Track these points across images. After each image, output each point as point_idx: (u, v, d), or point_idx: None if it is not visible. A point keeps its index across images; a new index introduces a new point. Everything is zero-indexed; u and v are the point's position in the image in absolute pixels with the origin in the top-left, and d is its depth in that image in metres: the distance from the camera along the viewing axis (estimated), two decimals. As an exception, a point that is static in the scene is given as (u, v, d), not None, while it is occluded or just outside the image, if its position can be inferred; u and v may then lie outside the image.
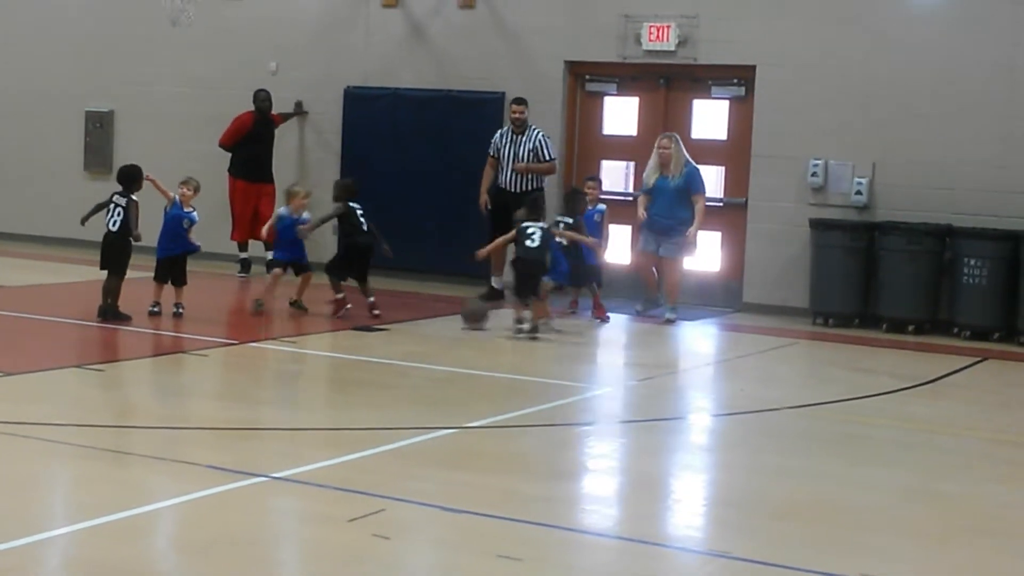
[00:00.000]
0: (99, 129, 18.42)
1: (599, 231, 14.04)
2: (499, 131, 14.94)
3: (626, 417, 9.72)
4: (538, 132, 14.77)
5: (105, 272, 12.23)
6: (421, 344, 12.09)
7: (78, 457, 7.64)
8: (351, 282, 13.15)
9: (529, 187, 14.64)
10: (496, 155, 14.84)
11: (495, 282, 14.87)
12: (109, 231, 12.23)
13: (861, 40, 14.52)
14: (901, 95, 14.37)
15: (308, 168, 17.14)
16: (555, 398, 10.00)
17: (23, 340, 11.38)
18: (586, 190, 14.20)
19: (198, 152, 16.80)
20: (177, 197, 12.59)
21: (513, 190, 14.65)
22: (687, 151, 14.31)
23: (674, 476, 8.24)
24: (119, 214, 12.16)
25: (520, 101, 14.87)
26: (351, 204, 13.21)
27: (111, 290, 12.18)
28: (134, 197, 12.26)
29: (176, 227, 12.53)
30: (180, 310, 12.46)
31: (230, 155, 16.33)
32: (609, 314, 13.90)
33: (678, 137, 14.30)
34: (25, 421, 8.33)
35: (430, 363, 11.09)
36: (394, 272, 15.38)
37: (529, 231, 12.72)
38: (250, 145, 16.26)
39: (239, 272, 16.21)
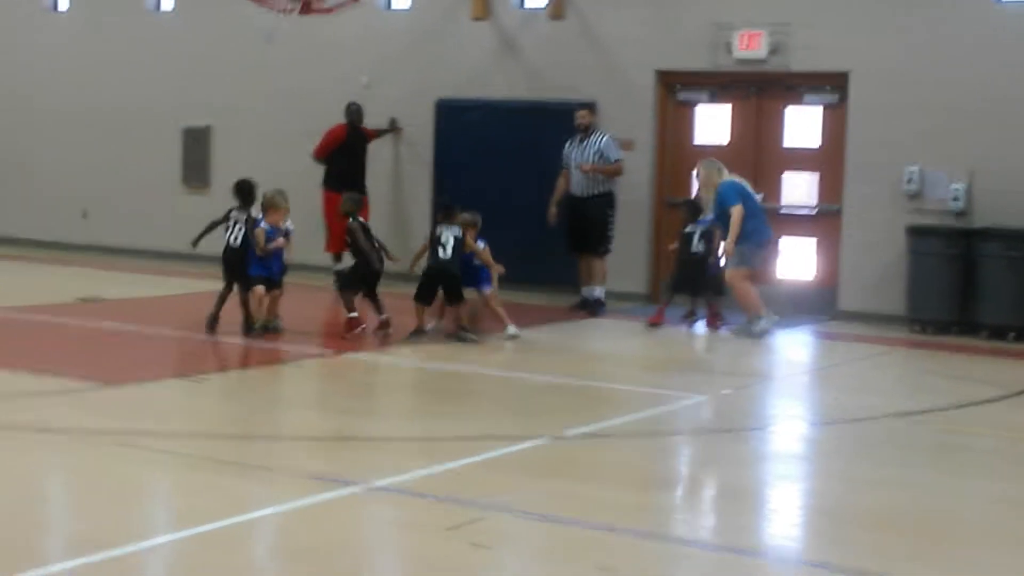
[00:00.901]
0: (196, 145, 18.73)
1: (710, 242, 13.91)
2: (568, 141, 15.02)
3: (721, 426, 9.68)
4: (603, 135, 14.85)
5: (224, 285, 12.31)
6: (515, 353, 12.14)
7: (180, 467, 7.79)
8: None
9: (598, 191, 14.69)
10: (566, 164, 14.93)
11: (586, 292, 14.89)
12: (230, 246, 12.26)
13: (956, 44, 14.34)
14: (997, 100, 14.17)
15: (401, 180, 17.29)
16: (650, 407, 9.99)
17: (126, 352, 11.59)
18: None
19: (293, 166, 17.01)
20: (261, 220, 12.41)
21: (581, 194, 14.72)
22: (780, 158, 14.20)
23: (770, 486, 8.20)
24: (240, 229, 12.20)
25: (584, 106, 15.01)
26: (360, 219, 12.81)
27: (222, 298, 12.28)
28: (252, 213, 12.32)
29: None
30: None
31: (324, 168, 16.51)
32: (724, 325, 13.80)
33: (709, 161, 13.90)
34: (129, 431, 8.50)
35: (525, 372, 11.14)
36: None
37: (442, 238, 12.57)
38: (343, 158, 16.42)
39: (335, 283, 16.36)
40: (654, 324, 13.74)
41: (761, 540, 6.96)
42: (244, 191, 12.47)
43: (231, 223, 12.32)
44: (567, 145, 15.00)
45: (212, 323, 12.24)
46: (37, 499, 7.22)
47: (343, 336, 12.25)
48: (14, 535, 6.36)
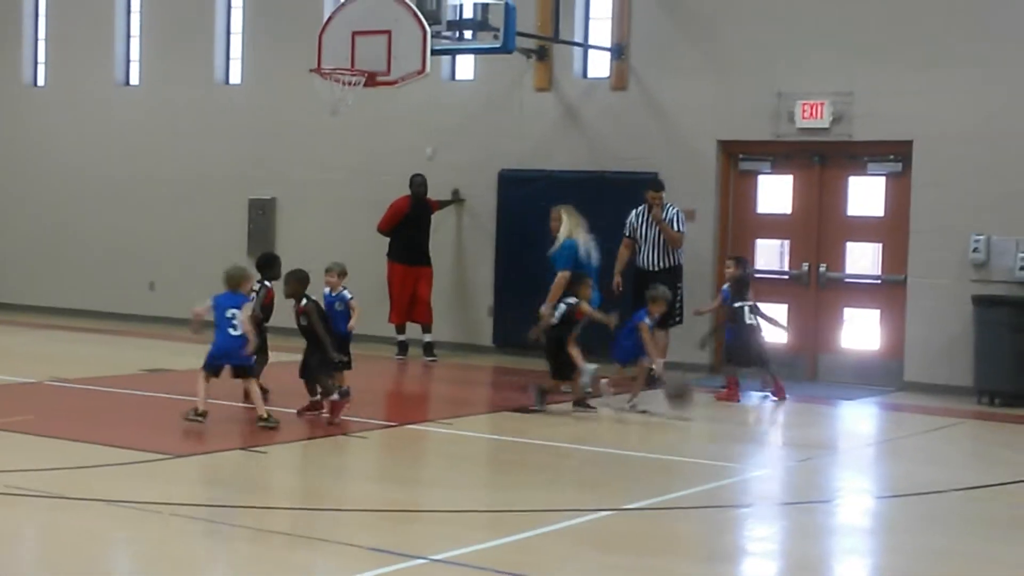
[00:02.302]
0: (262, 216, 18.95)
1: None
2: (634, 211, 14.98)
3: (786, 499, 9.58)
4: (673, 207, 14.82)
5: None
6: (576, 425, 12.10)
7: (242, 539, 7.80)
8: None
9: (669, 264, 14.67)
10: (632, 235, 14.91)
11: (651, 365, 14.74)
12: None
13: (1019, 110, 14.26)
14: (1064, 167, 14.06)
15: (464, 251, 17.38)
16: (713, 479, 9.90)
17: (191, 423, 11.67)
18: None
19: (357, 237, 17.15)
20: (327, 289, 12.35)
21: (652, 268, 14.67)
22: (844, 227, 14.11)
23: (836, 559, 8.09)
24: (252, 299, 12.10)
25: (658, 187, 14.95)
26: (313, 299, 11.77)
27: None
28: (267, 283, 12.46)
29: (331, 313, 12.53)
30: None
31: (389, 240, 16.62)
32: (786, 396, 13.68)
33: (568, 209, 14.09)
34: (192, 503, 8.54)
35: (586, 444, 11.10)
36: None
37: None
38: (407, 229, 16.54)
39: (397, 355, 16.45)
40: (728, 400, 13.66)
41: (828, 616, 6.86)
42: (264, 263, 12.73)
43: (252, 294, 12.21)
44: (633, 216, 14.97)
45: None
46: (100, 572, 7.25)
47: (329, 423, 11.49)
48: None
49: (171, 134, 19.78)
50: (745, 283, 13.92)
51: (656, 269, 14.70)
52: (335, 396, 11.50)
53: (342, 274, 12.32)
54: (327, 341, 11.48)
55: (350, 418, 11.86)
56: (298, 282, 11.65)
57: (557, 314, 12.70)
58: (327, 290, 12.32)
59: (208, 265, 19.12)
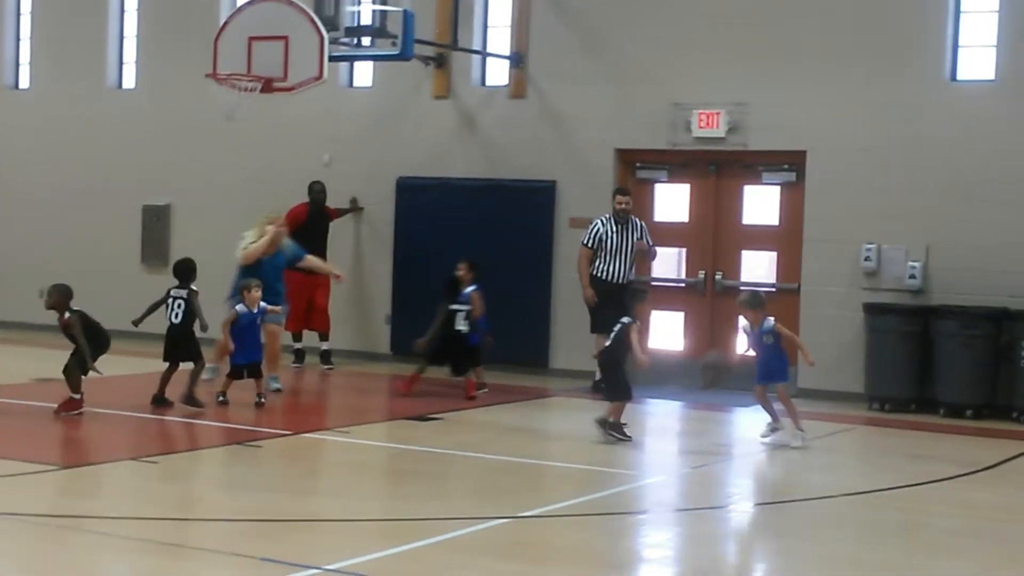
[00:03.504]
0: (156, 223, 18.68)
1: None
2: (597, 222, 14.73)
3: (680, 505, 9.64)
4: (638, 220, 14.80)
5: (167, 364, 12.58)
6: (474, 433, 12.08)
7: (133, 551, 7.66)
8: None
9: (631, 276, 14.62)
10: (594, 246, 14.65)
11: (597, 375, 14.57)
12: (173, 324, 12.55)
13: (911, 124, 14.53)
14: (952, 178, 14.34)
15: (362, 258, 17.28)
16: (608, 487, 9.94)
17: (80, 432, 11.48)
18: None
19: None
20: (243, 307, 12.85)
21: (619, 281, 14.52)
22: (739, 235, 14.27)
23: (731, 565, 8.15)
24: (179, 306, 12.51)
25: (624, 192, 14.88)
26: (78, 311, 12.06)
27: (167, 377, 12.52)
28: (194, 287, 12.57)
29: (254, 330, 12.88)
30: (262, 400, 12.83)
31: (285, 247, 16.45)
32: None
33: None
34: (81, 515, 8.38)
35: (483, 452, 11.08)
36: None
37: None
38: (305, 237, 16.33)
39: (293, 362, 16.31)
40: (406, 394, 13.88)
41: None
42: (185, 270, 12.79)
43: (170, 301, 12.60)
44: (599, 227, 14.62)
45: (159, 401, 12.48)
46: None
47: (56, 413, 11.86)
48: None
49: (63, 139, 19.44)
50: (455, 284, 14.05)
51: (624, 282, 14.45)
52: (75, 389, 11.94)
53: (259, 287, 12.87)
54: (87, 351, 11.85)
55: (243, 427, 11.74)
56: (61, 295, 12.00)
57: (611, 336, 11.87)
58: (246, 308, 12.73)
59: (101, 272, 18.88)
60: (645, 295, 12.44)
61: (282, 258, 14.03)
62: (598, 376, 14.14)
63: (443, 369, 14.13)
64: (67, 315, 11.96)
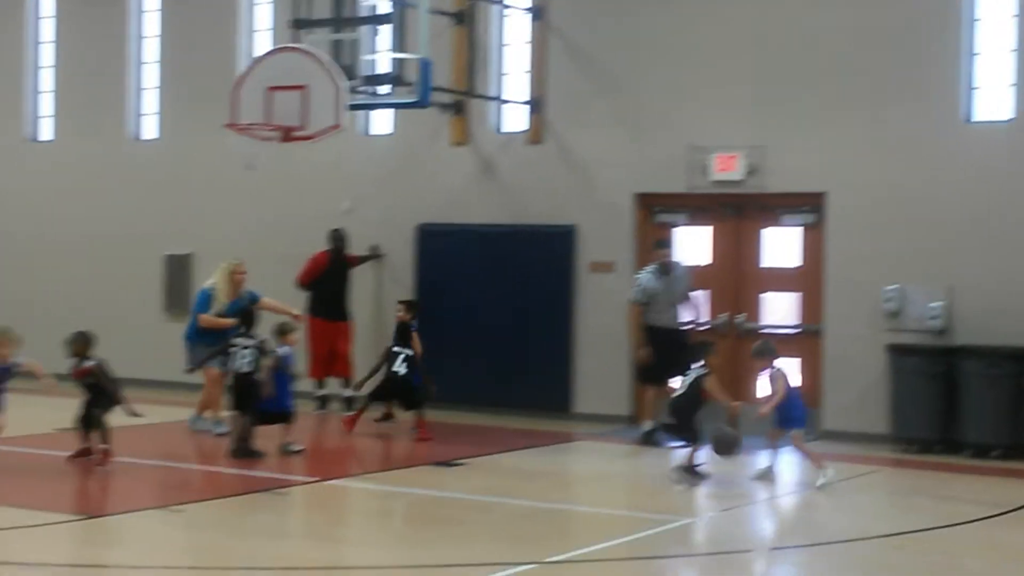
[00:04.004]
0: (178, 272, 18.75)
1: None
2: (643, 276, 14.67)
3: (709, 549, 9.60)
4: (682, 266, 14.83)
5: (236, 412, 12.73)
6: (499, 478, 12.05)
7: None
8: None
9: (679, 323, 14.62)
10: (647, 299, 14.55)
11: (646, 425, 14.45)
12: (241, 373, 12.65)
13: (931, 163, 14.52)
14: (974, 217, 14.31)
15: (383, 305, 17.28)
16: (636, 530, 9.89)
17: (106, 482, 11.48)
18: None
19: (275, 292, 16.97)
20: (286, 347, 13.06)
21: (675, 326, 14.53)
22: (760, 278, 14.25)
23: (760, 610, 8.10)
24: (250, 354, 12.63)
25: (665, 243, 14.91)
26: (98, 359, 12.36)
27: (247, 427, 12.62)
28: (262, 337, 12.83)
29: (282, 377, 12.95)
30: (293, 448, 12.90)
31: (308, 295, 16.52)
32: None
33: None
34: (105, 564, 8.37)
35: (509, 497, 11.05)
36: (468, 405, 15.46)
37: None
38: (326, 284, 16.47)
39: (317, 409, 16.32)
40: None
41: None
42: (249, 316, 13.04)
43: (239, 349, 12.70)
44: (646, 280, 14.57)
45: (248, 453, 12.53)
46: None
47: (95, 467, 11.88)
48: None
49: (84, 190, 19.54)
50: (406, 329, 14.32)
51: (678, 327, 14.52)
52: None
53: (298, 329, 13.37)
54: (119, 393, 12.04)
55: (269, 474, 11.74)
56: (85, 342, 12.24)
57: (684, 383, 12.11)
58: (286, 347, 12.98)
59: (124, 321, 18.94)
60: (714, 347, 12.55)
61: (237, 304, 14.01)
62: (648, 426, 14.10)
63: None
64: (89, 363, 12.01)
